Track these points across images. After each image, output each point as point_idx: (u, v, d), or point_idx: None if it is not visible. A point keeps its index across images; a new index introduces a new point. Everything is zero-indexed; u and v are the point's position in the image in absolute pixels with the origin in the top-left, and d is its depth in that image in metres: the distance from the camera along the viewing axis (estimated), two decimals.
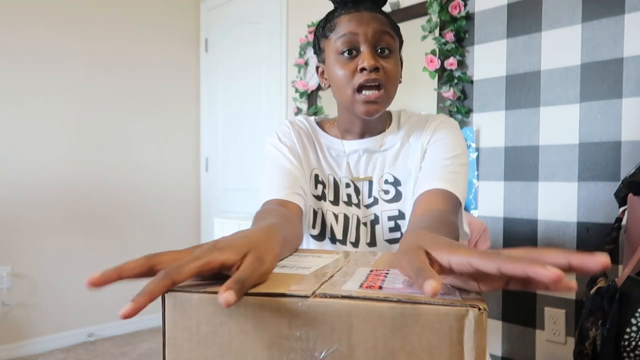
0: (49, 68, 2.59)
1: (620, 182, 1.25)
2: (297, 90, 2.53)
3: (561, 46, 1.63)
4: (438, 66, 1.91)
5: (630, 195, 1.21)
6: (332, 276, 0.48)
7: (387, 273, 0.50)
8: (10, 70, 2.46)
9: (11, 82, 2.47)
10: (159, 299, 0.45)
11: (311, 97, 2.51)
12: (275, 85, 2.74)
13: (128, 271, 0.44)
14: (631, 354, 1.01)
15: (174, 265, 0.42)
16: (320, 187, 0.94)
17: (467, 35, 1.87)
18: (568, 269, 0.37)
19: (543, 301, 1.67)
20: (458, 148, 0.86)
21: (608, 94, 1.53)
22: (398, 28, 0.89)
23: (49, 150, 2.59)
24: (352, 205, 0.92)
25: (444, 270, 0.43)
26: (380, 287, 0.43)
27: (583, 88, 1.58)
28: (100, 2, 2.77)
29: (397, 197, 0.90)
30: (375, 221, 0.90)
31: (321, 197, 0.93)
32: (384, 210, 0.90)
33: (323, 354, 0.41)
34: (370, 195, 0.92)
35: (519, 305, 1.73)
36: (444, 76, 1.91)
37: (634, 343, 1.00)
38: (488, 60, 1.81)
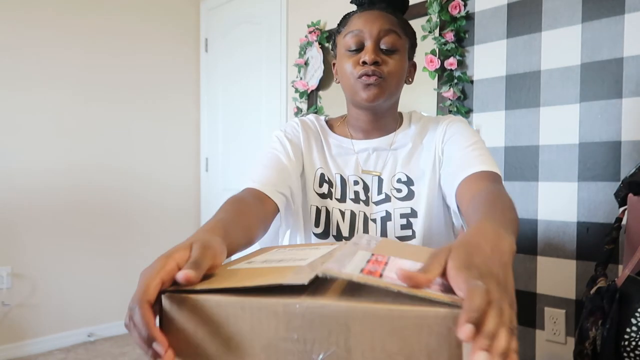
0: (48, 68, 2.58)
1: (620, 182, 1.25)
2: (297, 90, 2.53)
3: (561, 46, 1.63)
4: (438, 66, 1.91)
5: (630, 195, 1.21)
6: (331, 259, 0.47)
7: (388, 261, 0.49)
8: (10, 70, 2.46)
9: (11, 82, 2.47)
10: (158, 299, 0.46)
11: (311, 97, 2.51)
12: (275, 85, 2.74)
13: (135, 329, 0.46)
14: (631, 354, 1.00)
15: (139, 291, 0.45)
16: (326, 185, 0.94)
17: (467, 35, 1.87)
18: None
19: (543, 301, 1.67)
20: (474, 136, 0.89)
21: (608, 94, 1.53)
22: (410, 31, 0.92)
23: (49, 151, 2.59)
24: (360, 202, 0.93)
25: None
26: (381, 276, 0.43)
27: (583, 88, 1.58)
28: (100, 2, 2.77)
29: (410, 195, 0.91)
30: (386, 218, 0.91)
31: (327, 195, 0.94)
32: (396, 208, 0.91)
33: (320, 356, 0.41)
34: (380, 192, 0.93)
35: (519, 305, 1.73)
36: (444, 76, 1.91)
37: (634, 343, 1.00)
38: (488, 60, 1.81)
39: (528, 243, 1.70)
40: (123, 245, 2.85)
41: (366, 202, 0.93)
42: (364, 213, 0.92)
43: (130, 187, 2.91)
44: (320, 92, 2.47)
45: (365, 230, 0.92)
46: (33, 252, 2.54)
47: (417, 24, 1.99)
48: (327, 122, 1.02)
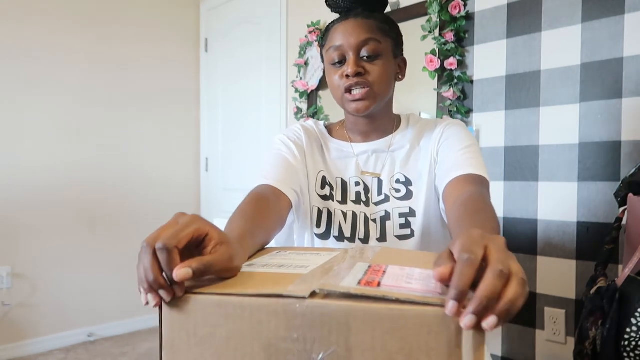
0: (48, 68, 2.58)
1: (620, 182, 1.25)
2: (297, 90, 2.53)
3: (561, 46, 1.63)
4: (438, 66, 1.91)
5: (630, 195, 1.21)
6: (330, 273, 0.48)
7: (386, 270, 0.49)
8: (10, 70, 2.46)
9: (10, 82, 2.47)
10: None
11: (311, 97, 2.51)
12: (275, 85, 2.74)
13: (151, 270, 0.44)
14: (631, 354, 1.00)
15: (168, 234, 0.44)
16: (327, 188, 0.96)
17: (467, 35, 1.87)
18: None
19: (543, 301, 1.67)
20: (469, 140, 0.91)
21: (608, 94, 1.53)
22: (392, 29, 0.93)
23: (49, 151, 2.59)
24: (361, 203, 0.94)
25: None
26: (379, 284, 0.43)
27: (583, 88, 1.58)
28: (100, 2, 2.77)
29: (408, 195, 0.93)
30: (385, 217, 0.93)
31: (328, 197, 0.95)
32: (395, 207, 0.93)
33: (321, 355, 0.41)
34: (380, 193, 0.95)
35: None
36: (444, 76, 1.91)
37: (634, 343, 1.00)
38: (488, 60, 1.81)
39: (528, 243, 1.70)
40: (123, 245, 2.85)
41: (367, 203, 0.94)
42: (365, 214, 0.93)
43: (131, 187, 2.91)
44: (320, 92, 2.47)
45: (366, 230, 0.92)
46: (33, 252, 2.54)
47: (417, 24, 1.99)
48: (326, 127, 1.05)
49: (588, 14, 1.57)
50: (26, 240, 2.51)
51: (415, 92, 2.01)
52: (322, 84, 2.45)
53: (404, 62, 0.97)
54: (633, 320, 1.00)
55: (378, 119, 0.96)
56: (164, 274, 0.44)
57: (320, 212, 0.94)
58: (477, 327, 0.37)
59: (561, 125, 1.63)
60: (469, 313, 0.37)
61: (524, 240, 1.71)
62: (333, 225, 0.93)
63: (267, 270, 0.51)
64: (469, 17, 1.86)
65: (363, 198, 0.95)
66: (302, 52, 2.52)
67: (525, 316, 1.71)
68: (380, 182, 0.95)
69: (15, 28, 2.47)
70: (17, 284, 2.48)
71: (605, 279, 1.19)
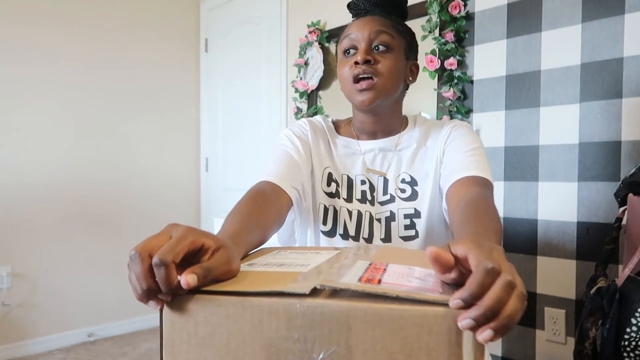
0: (48, 68, 2.58)
1: (620, 182, 1.25)
2: (297, 90, 2.53)
3: (561, 46, 1.63)
4: (438, 66, 1.91)
5: (630, 195, 1.21)
6: (330, 270, 0.48)
7: (386, 268, 0.49)
8: (10, 71, 2.46)
9: (10, 82, 2.47)
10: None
11: (311, 97, 2.51)
12: (275, 85, 2.74)
13: (144, 279, 0.44)
14: (631, 354, 1.00)
15: (165, 248, 0.43)
16: (333, 184, 0.96)
17: (467, 35, 1.87)
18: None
19: (543, 301, 1.67)
20: (475, 142, 0.91)
21: (608, 94, 1.53)
22: (407, 32, 0.94)
23: (49, 151, 2.59)
24: (366, 202, 0.94)
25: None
26: (380, 282, 0.43)
27: (583, 88, 1.58)
28: (100, 2, 2.77)
29: (414, 196, 0.93)
30: (390, 218, 0.93)
31: (334, 195, 0.95)
32: (400, 208, 0.93)
33: (321, 355, 0.41)
34: (385, 193, 0.95)
35: None
36: (444, 76, 1.91)
37: (634, 343, 1.00)
38: (488, 60, 1.81)
39: (528, 243, 1.70)
40: (123, 246, 2.85)
41: (372, 202, 0.94)
42: (370, 213, 0.93)
43: (131, 187, 2.91)
44: (320, 92, 2.47)
45: (371, 230, 0.92)
46: (33, 252, 2.54)
47: (417, 24, 1.99)
48: (333, 123, 1.04)
49: (588, 14, 1.57)
50: (26, 240, 2.51)
51: (415, 92, 2.00)
52: (322, 84, 2.45)
53: (416, 66, 0.97)
54: (633, 320, 1.00)
55: (385, 118, 0.96)
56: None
57: (326, 210, 0.94)
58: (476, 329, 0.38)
59: (561, 125, 1.63)
60: (469, 318, 0.37)
61: (524, 240, 1.71)
62: (338, 223, 0.93)
63: (267, 269, 0.51)
64: (469, 17, 1.86)
65: (368, 197, 0.95)
66: (302, 52, 2.52)
67: (525, 316, 1.71)
68: (386, 181, 0.95)
69: (14, 28, 2.47)
70: (17, 284, 2.48)
71: (605, 279, 1.19)
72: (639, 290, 1.03)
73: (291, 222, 0.93)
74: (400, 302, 0.40)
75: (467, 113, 1.87)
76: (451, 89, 1.87)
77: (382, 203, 0.94)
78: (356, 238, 0.92)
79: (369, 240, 0.92)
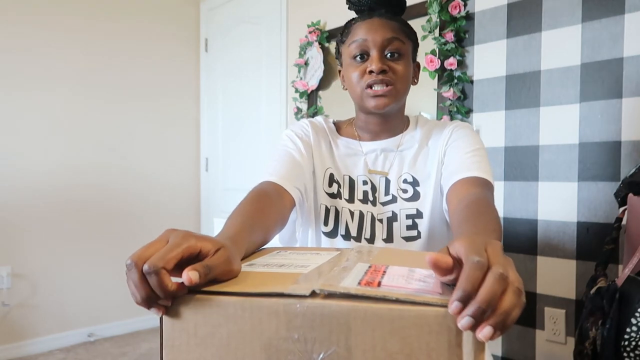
0: (47, 68, 2.58)
1: (620, 182, 1.25)
2: (297, 90, 2.53)
3: (561, 46, 1.63)
4: (438, 66, 1.91)
5: (630, 195, 1.21)
6: (330, 273, 0.48)
7: (386, 270, 0.49)
8: (10, 71, 2.46)
9: (10, 82, 2.47)
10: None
11: (311, 97, 2.51)
12: (275, 85, 2.74)
13: (141, 287, 0.45)
14: (631, 354, 1.00)
15: (156, 256, 0.44)
16: (335, 185, 0.96)
17: (467, 35, 1.87)
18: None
19: (543, 301, 1.67)
20: (477, 143, 0.91)
21: (608, 94, 1.53)
22: (412, 33, 0.94)
23: (49, 151, 2.59)
24: (368, 203, 0.94)
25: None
26: (379, 284, 0.43)
27: (583, 88, 1.58)
28: (99, 2, 2.77)
29: (416, 196, 0.93)
30: (392, 218, 0.93)
31: (336, 195, 0.95)
32: (402, 208, 0.93)
33: (321, 355, 0.41)
34: (387, 193, 0.95)
35: None
36: (444, 76, 1.91)
37: (634, 343, 1.00)
38: (488, 60, 1.81)
39: (528, 243, 1.70)
40: (123, 245, 2.85)
41: (374, 203, 0.94)
42: (372, 213, 0.93)
43: (130, 187, 2.91)
44: (320, 92, 2.47)
45: (373, 230, 0.92)
46: (33, 252, 2.54)
47: (417, 24, 1.99)
48: (334, 124, 1.04)
49: (588, 14, 1.57)
50: (26, 240, 2.51)
51: (416, 92, 2.00)
52: (322, 84, 2.45)
53: (419, 66, 0.98)
54: (633, 320, 1.00)
55: (390, 119, 0.96)
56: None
57: (327, 210, 0.94)
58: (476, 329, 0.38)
59: (561, 125, 1.63)
60: (467, 315, 0.37)
61: (524, 240, 1.71)
62: (340, 223, 0.93)
63: (267, 269, 0.51)
64: (469, 17, 1.86)
65: (370, 197, 0.95)
66: (302, 52, 2.52)
67: (525, 316, 1.71)
68: (387, 181, 0.95)
69: (15, 28, 2.47)
70: (17, 284, 2.48)
71: (605, 279, 1.19)
72: (639, 290, 1.03)
73: (293, 222, 0.93)
74: (400, 302, 0.40)
75: (467, 113, 1.87)
76: (451, 89, 1.87)
77: (383, 203, 0.94)
78: (358, 239, 0.92)
79: (371, 240, 0.92)
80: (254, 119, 2.89)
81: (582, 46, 1.58)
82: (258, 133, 2.86)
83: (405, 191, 0.94)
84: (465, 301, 0.37)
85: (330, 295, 0.42)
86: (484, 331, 0.37)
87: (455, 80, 1.88)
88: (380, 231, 0.92)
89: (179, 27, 3.15)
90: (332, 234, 0.94)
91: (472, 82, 1.86)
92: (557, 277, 1.63)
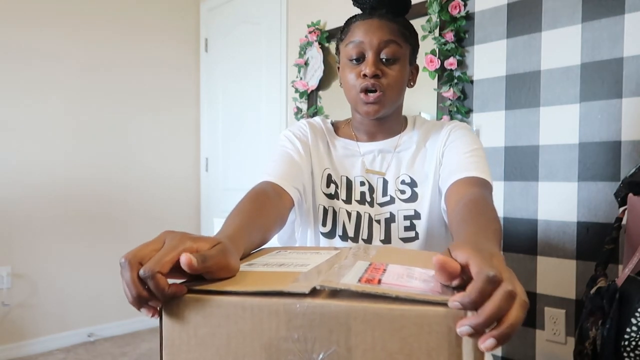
0: (48, 68, 2.58)
1: (620, 182, 1.25)
2: (297, 90, 2.53)
3: (561, 46, 1.63)
4: (438, 66, 1.91)
5: (630, 195, 1.21)
6: (330, 271, 0.48)
7: (386, 268, 0.49)
8: (10, 71, 2.46)
9: (10, 82, 2.47)
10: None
11: (311, 97, 2.51)
12: (275, 85, 2.74)
13: (133, 286, 0.45)
14: (631, 354, 1.00)
15: (152, 260, 0.44)
16: (332, 186, 0.96)
17: (467, 35, 1.87)
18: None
19: (543, 301, 1.67)
20: (475, 143, 0.91)
21: (608, 94, 1.53)
22: (412, 36, 0.93)
23: (49, 151, 2.59)
24: (365, 204, 0.94)
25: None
26: (379, 282, 0.43)
27: (583, 88, 1.58)
28: (99, 2, 2.77)
29: (413, 197, 0.93)
30: (390, 219, 0.92)
31: (334, 196, 0.95)
32: (400, 209, 0.92)
33: (321, 355, 0.41)
34: (385, 194, 0.94)
35: None
36: (444, 76, 1.91)
37: (634, 343, 1.00)
38: (488, 60, 1.81)
39: (528, 243, 1.70)
40: (123, 245, 2.85)
41: (371, 204, 0.94)
42: (369, 214, 0.93)
43: (131, 187, 2.91)
44: (320, 92, 2.47)
45: (370, 231, 0.92)
46: (33, 252, 2.54)
47: (417, 24, 1.99)
48: (332, 124, 1.04)
49: (588, 14, 1.57)
50: (26, 240, 2.51)
51: (416, 92, 2.01)
52: (322, 84, 2.45)
53: (417, 69, 0.98)
54: (633, 320, 1.00)
55: (386, 121, 0.96)
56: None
57: (325, 211, 0.94)
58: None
59: (561, 125, 1.63)
60: (468, 325, 0.37)
61: (524, 240, 1.71)
62: (338, 224, 0.93)
63: (267, 269, 0.51)
64: (469, 17, 1.86)
65: (368, 198, 0.94)
66: (302, 52, 2.52)
67: (525, 316, 1.71)
68: (385, 182, 0.95)
69: (15, 28, 2.47)
70: (17, 284, 2.48)
71: (605, 279, 1.19)
72: (639, 290, 1.03)
73: (291, 222, 0.93)
74: (400, 302, 0.40)
75: (467, 113, 1.87)
76: (451, 89, 1.87)
77: (381, 204, 0.94)
78: (355, 239, 0.92)
79: (369, 241, 0.92)
80: (254, 119, 2.89)
81: (582, 46, 1.58)
82: (258, 133, 2.86)
83: (403, 192, 0.94)
84: (467, 308, 0.37)
85: (331, 294, 0.42)
86: (487, 343, 0.37)
87: (455, 80, 1.88)
88: (378, 232, 0.92)
89: (179, 27, 3.15)
90: (330, 235, 0.94)
91: (472, 82, 1.86)
92: (557, 277, 1.63)
